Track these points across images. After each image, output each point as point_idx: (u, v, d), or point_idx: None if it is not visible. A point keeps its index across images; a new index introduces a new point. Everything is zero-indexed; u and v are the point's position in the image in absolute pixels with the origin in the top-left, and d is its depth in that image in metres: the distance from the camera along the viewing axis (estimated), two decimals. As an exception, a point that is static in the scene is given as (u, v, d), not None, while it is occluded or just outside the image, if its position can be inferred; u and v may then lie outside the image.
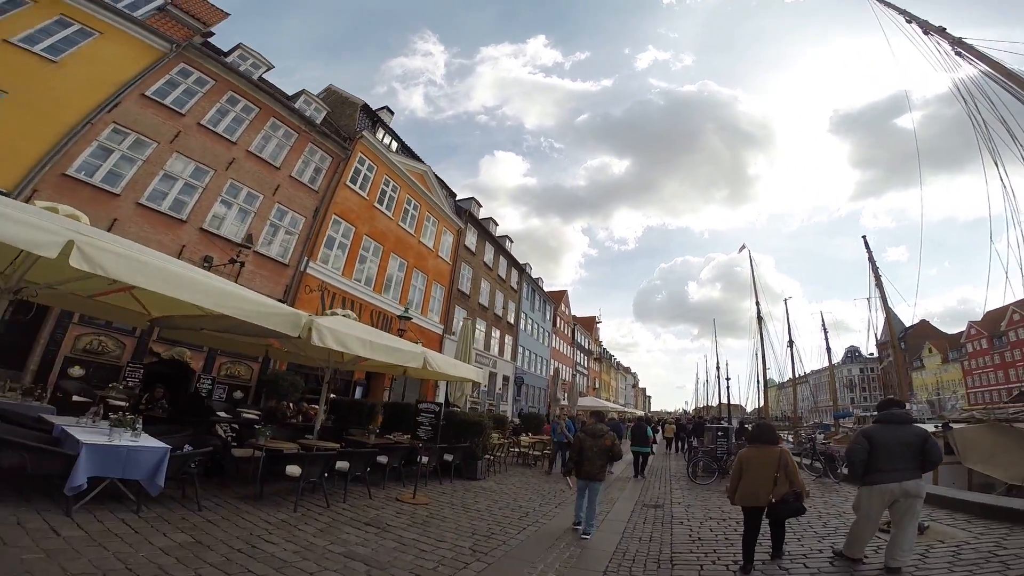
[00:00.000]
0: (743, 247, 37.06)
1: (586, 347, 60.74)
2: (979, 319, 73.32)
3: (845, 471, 10.12)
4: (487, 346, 28.22)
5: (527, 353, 35.49)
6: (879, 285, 18.04)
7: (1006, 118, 9.06)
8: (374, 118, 21.89)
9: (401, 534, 5.60)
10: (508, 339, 31.53)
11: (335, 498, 6.91)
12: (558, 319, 45.48)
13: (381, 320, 18.67)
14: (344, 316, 8.21)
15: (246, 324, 5.10)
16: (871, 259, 18.15)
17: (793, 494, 4.61)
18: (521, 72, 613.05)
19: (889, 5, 10.84)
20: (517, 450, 14.06)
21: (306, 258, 15.79)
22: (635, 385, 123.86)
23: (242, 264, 13.26)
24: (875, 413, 5.07)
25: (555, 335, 43.94)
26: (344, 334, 5.99)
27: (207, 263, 12.69)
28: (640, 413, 62.58)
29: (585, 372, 58.82)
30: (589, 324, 64.91)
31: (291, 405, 12.81)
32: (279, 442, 7.36)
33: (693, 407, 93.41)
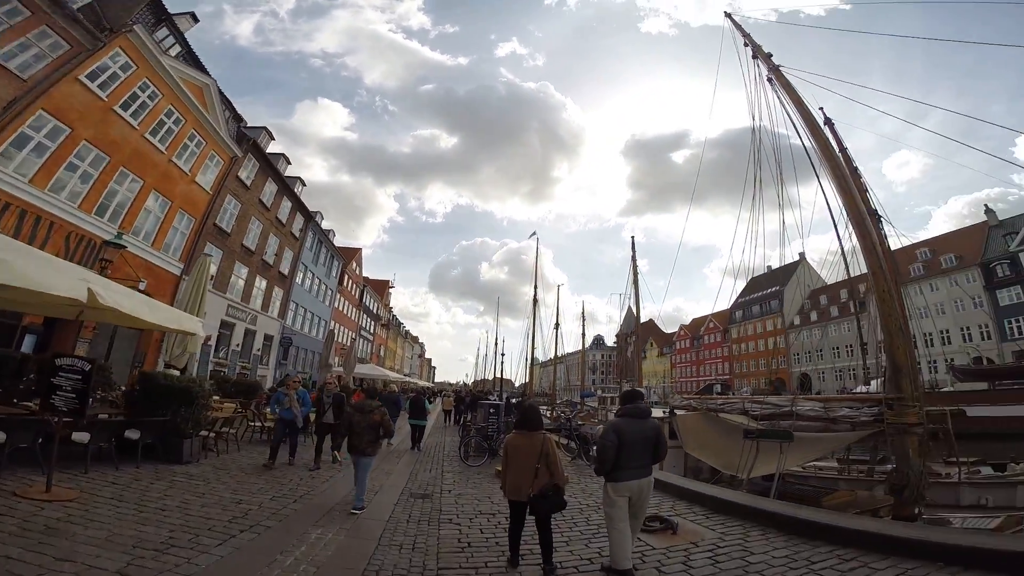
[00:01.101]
0: (534, 234, 39.69)
1: (375, 312, 57.92)
2: (687, 323, 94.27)
3: (592, 452, 10.40)
4: (247, 297, 23.66)
5: (302, 311, 31.34)
6: (635, 282, 20.63)
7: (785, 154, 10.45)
8: (161, 16, 16.77)
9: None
10: (278, 292, 27.17)
11: None
12: (346, 277, 41.75)
13: (85, 246, 13.52)
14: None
15: None
16: (633, 258, 20.70)
17: (553, 487, 4.17)
18: (382, 27, 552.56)
19: (738, 26, 11.83)
20: (260, 424, 11.42)
21: (-32, 156, 10.48)
22: (421, 355, 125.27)
23: None
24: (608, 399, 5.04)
25: (340, 295, 40.21)
26: None
27: None
28: (424, 384, 62.98)
29: (370, 338, 56.07)
30: (381, 288, 62.14)
31: None
32: None
33: (473, 379, 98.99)
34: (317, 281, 34.11)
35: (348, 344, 33.51)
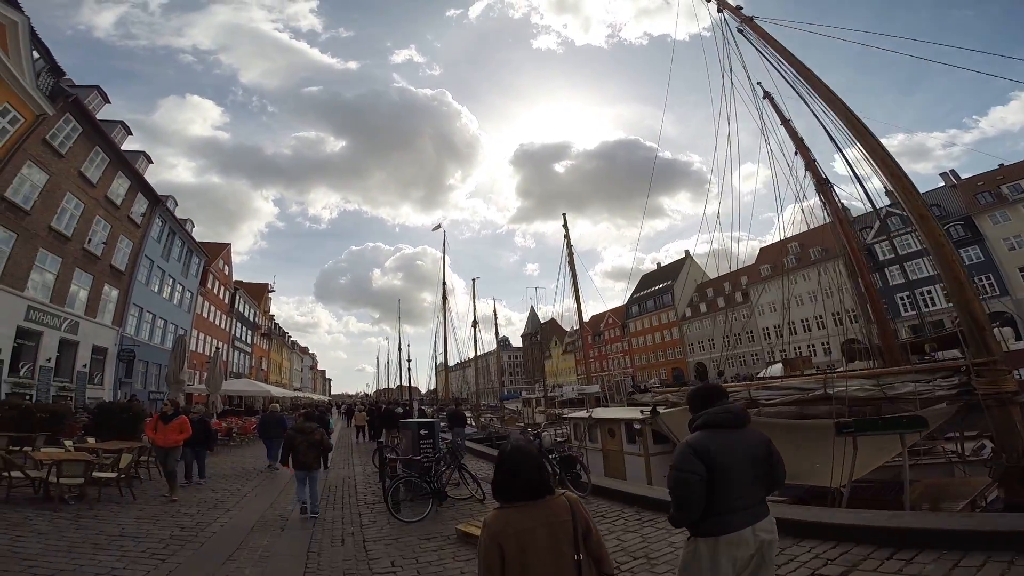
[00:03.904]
0: (439, 226, 36.40)
1: (252, 319, 50.39)
2: (587, 320, 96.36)
3: (586, 477, 7.56)
4: (60, 297, 17.67)
5: (149, 317, 25.00)
6: (571, 263, 18.60)
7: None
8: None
9: None
10: (111, 292, 21.02)
11: None
12: (211, 277, 34.98)
13: None
14: None
15: None
16: (567, 236, 18.57)
17: None
18: (267, 27, 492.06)
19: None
20: (21, 473, 6.87)
21: None
22: (314, 367, 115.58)
23: None
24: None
25: (204, 298, 33.48)
26: None
27: None
28: (319, 398, 56.07)
29: (247, 349, 48.61)
30: (259, 292, 54.45)
31: None
32: None
33: (375, 390, 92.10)
34: (171, 281, 27.70)
35: (213, 355, 27.62)
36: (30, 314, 16.16)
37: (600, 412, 10.64)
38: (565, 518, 2.04)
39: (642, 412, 8.92)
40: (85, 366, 19.38)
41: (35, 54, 15.90)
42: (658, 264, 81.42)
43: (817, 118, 8.00)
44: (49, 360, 17.29)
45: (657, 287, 75.87)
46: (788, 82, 8.57)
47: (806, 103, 8.16)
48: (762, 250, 61.57)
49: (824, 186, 12.44)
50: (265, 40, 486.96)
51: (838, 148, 9.04)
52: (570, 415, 11.96)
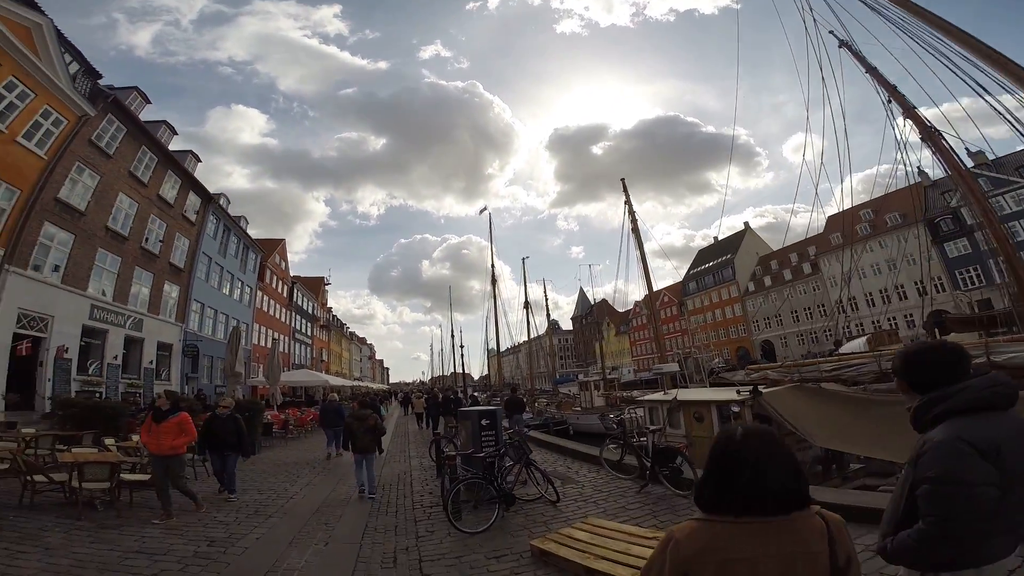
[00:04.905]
0: (484, 209, 35.53)
1: (311, 312, 51.71)
2: (643, 298, 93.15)
3: (691, 472, 6.27)
4: (122, 295, 18.05)
5: (211, 312, 25.59)
6: (639, 238, 17.12)
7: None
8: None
9: None
10: (171, 289, 21.46)
11: None
12: (268, 272, 35.74)
13: None
14: None
15: None
16: (628, 202, 17.00)
17: None
18: (295, 34, 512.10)
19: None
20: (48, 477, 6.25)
21: None
22: (372, 357, 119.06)
23: None
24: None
25: (263, 292, 34.26)
26: None
27: None
28: (377, 386, 57.27)
29: (308, 341, 49.98)
30: (316, 286, 55.77)
31: None
32: None
33: (430, 377, 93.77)
34: (229, 277, 28.28)
35: (271, 347, 28.16)
36: (94, 313, 16.52)
37: (685, 393, 9.28)
38: (817, 548, 1.29)
39: (739, 392, 7.51)
40: (151, 362, 19.88)
41: (67, 57, 15.87)
42: (715, 238, 77.00)
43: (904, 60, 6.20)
44: (116, 357, 17.72)
45: (716, 261, 71.87)
46: (888, 17, 6.88)
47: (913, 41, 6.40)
48: (830, 218, 56.65)
49: (932, 134, 10.31)
50: (296, 47, 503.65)
51: (982, 87, 7.22)
52: (646, 397, 10.67)
